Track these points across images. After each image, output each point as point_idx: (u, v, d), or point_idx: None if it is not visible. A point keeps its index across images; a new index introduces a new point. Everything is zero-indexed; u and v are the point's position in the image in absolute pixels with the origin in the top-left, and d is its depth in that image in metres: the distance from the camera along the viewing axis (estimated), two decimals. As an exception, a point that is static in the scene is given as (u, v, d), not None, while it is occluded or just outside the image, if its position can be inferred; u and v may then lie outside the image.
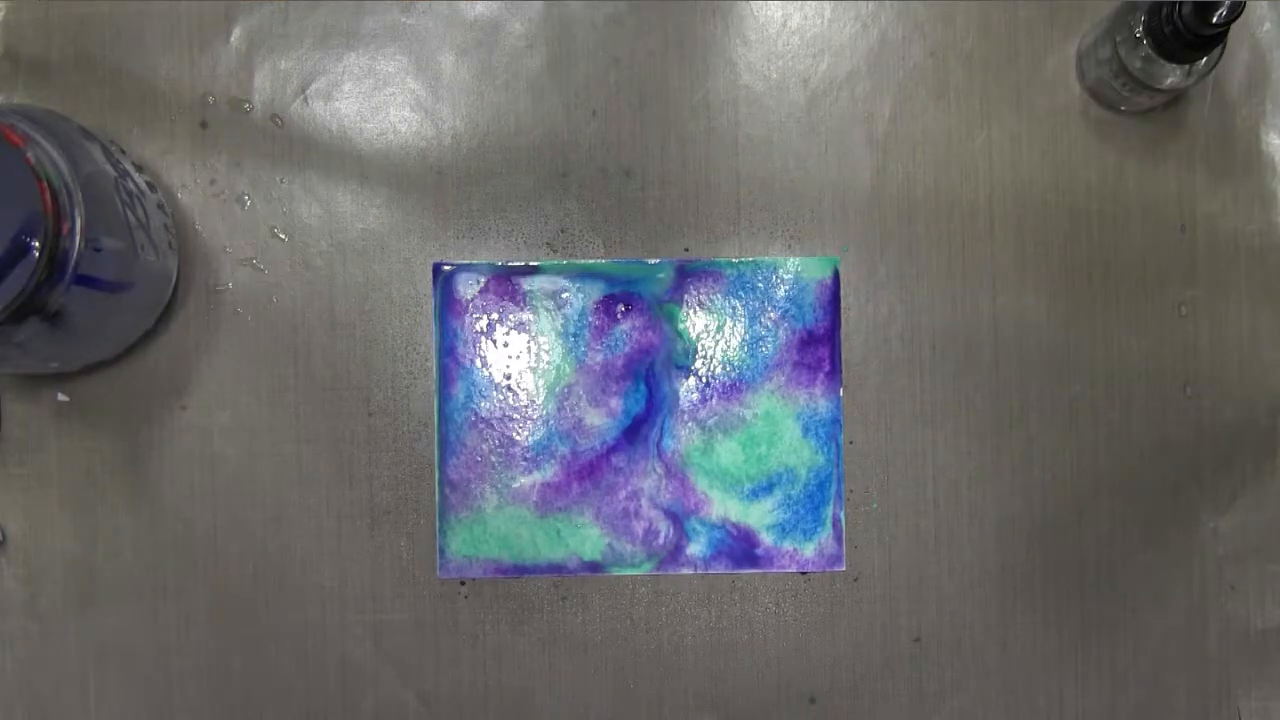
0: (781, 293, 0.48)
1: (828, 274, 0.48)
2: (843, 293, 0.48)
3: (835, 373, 0.48)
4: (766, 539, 0.47)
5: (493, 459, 0.47)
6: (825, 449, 0.47)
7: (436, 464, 0.47)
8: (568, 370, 0.47)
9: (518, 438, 0.47)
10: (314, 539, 0.47)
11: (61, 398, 0.47)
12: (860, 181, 0.48)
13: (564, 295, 0.47)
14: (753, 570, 0.47)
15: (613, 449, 0.47)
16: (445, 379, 0.47)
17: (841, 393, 0.48)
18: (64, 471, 0.47)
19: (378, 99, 0.47)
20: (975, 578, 0.48)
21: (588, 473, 0.47)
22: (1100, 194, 0.48)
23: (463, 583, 0.47)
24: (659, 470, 0.47)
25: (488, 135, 0.47)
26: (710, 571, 0.47)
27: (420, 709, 0.47)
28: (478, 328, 0.47)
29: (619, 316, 0.47)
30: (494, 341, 0.47)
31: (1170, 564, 0.48)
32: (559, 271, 0.47)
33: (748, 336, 0.48)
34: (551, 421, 0.47)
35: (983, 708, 0.48)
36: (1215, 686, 0.48)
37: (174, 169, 0.47)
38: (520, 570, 0.47)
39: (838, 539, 0.47)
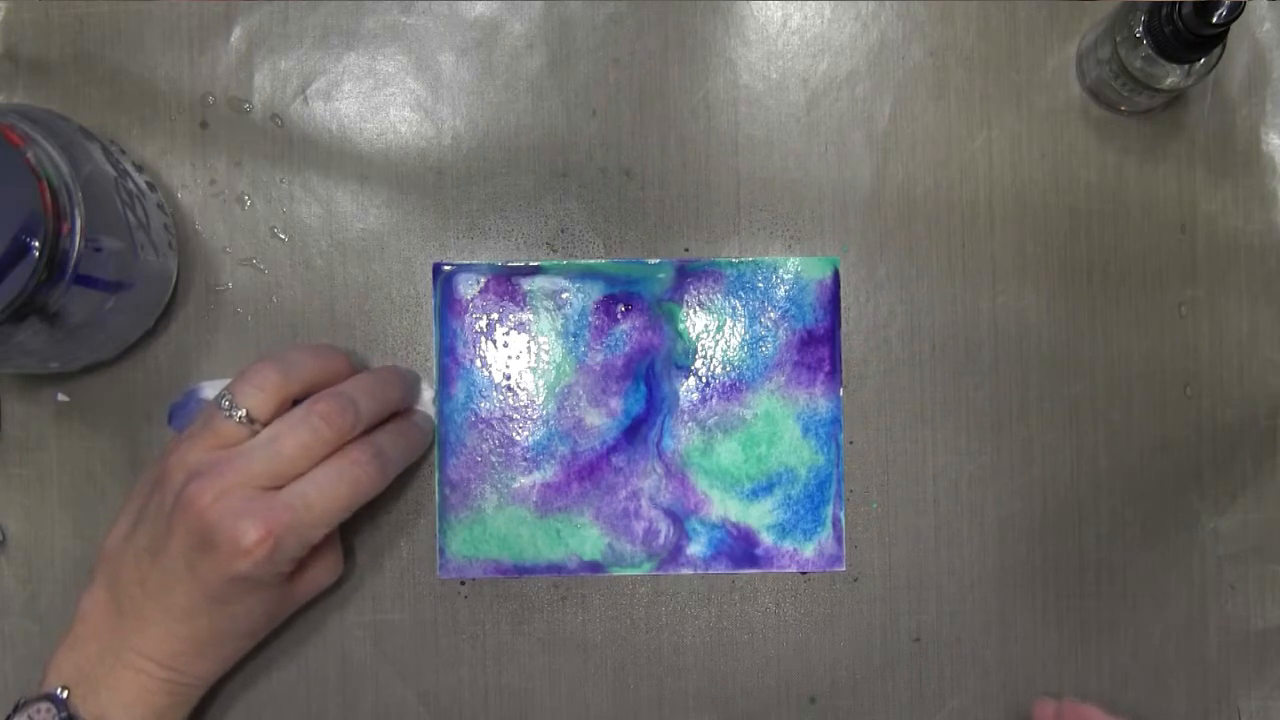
0: (781, 293, 0.48)
1: (828, 274, 0.48)
2: (843, 293, 0.48)
3: (835, 373, 0.48)
4: (766, 539, 0.47)
5: (493, 459, 0.47)
6: (825, 449, 0.47)
7: (436, 464, 0.47)
8: (568, 370, 0.47)
9: (518, 438, 0.47)
10: (314, 539, 0.47)
11: (61, 398, 0.47)
12: (860, 181, 0.48)
13: (564, 295, 0.47)
14: (753, 570, 0.47)
15: (613, 449, 0.47)
16: (445, 379, 0.47)
17: (841, 393, 0.48)
18: (64, 471, 0.47)
19: (378, 99, 0.47)
20: (975, 578, 0.48)
21: (588, 473, 0.47)
22: (1100, 194, 0.48)
23: (463, 583, 0.47)
24: (659, 470, 0.47)
25: (488, 135, 0.47)
26: (710, 571, 0.47)
27: (420, 709, 0.47)
28: (478, 328, 0.47)
29: (619, 316, 0.47)
30: (494, 341, 0.47)
31: (1170, 564, 0.48)
32: (559, 271, 0.47)
33: (748, 336, 0.47)
34: (551, 421, 0.47)
35: (983, 708, 0.48)
36: (1215, 686, 0.48)
37: (174, 169, 0.47)
38: (520, 570, 0.47)
39: (838, 539, 0.47)
